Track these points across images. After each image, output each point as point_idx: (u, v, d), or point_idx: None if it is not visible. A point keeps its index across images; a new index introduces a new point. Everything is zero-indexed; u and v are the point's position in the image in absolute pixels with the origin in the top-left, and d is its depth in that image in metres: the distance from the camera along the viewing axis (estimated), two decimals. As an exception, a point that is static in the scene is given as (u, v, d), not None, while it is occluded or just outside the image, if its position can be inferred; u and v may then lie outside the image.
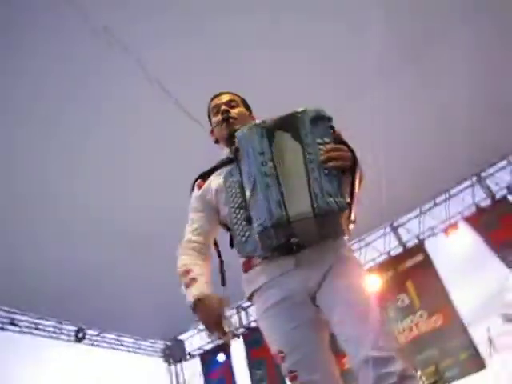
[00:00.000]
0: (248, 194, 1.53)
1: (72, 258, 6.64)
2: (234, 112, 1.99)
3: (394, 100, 5.92)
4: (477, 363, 7.59)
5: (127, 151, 5.47)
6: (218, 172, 1.90)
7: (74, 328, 8.76)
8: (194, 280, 1.75)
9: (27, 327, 8.12)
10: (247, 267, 1.75)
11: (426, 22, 5.12)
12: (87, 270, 6.98)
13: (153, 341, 10.64)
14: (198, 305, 1.66)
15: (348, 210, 1.51)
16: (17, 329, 7.95)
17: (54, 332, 8.56)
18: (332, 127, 1.60)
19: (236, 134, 1.64)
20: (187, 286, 1.75)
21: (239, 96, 2.13)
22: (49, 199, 5.66)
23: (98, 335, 9.36)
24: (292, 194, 1.46)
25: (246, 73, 4.81)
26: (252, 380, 9.29)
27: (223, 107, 2.00)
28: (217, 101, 2.06)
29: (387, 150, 6.37)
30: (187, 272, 1.79)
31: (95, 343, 9.34)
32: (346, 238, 1.74)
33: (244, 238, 1.59)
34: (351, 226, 1.64)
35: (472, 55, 5.58)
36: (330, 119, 1.60)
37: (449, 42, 5.42)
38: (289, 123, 1.57)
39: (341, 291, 1.57)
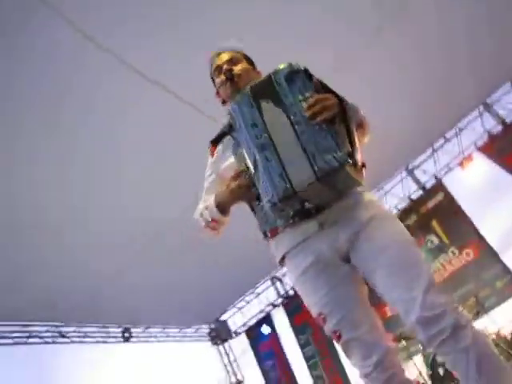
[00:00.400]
0: (251, 170, 1.52)
1: (101, 262, 6.79)
2: (236, 69, 1.93)
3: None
4: (513, 288, 7.70)
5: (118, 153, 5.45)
6: (227, 138, 1.87)
7: (120, 329, 9.01)
8: (206, 203, 1.85)
9: (76, 337, 8.37)
10: (273, 233, 1.73)
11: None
12: (118, 272, 7.16)
13: (197, 326, 10.90)
14: (218, 199, 1.77)
15: (352, 159, 1.44)
16: (67, 340, 8.21)
17: (101, 337, 8.80)
18: (310, 77, 1.52)
19: (228, 108, 1.59)
20: (206, 209, 1.83)
21: (239, 52, 2.05)
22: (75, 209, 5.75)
23: (143, 331, 9.60)
24: (291, 162, 1.41)
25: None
26: (300, 345, 9.46)
27: (225, 66, 1.94)
28: (218, 61, 2.00)
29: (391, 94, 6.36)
30: (201, 211, 1.87)
31: (142, 339, 9.60)
32: (362, 185, 1.67)
33: (262, 214, 1.65)
34: (363, 171, 1.60)
35: None
36: (305, 70, 1.52)
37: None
38: (267, 90, 1.50)
39: (380, 252, 1.55)
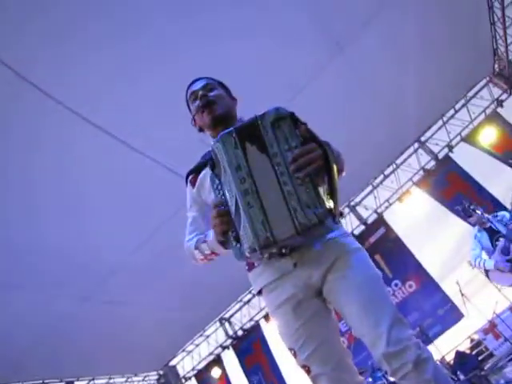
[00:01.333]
0: (232, 212, 1.49)
1: (42, 310, 6.45)
2: (212, 95, 1.90)
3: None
4: (455, 315, 8.04)
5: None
6: (207, 168, 1.75)
7: None
8: (200, 238, 1.82)
9: (14, 396, 7.80)
10: (250, 267, 1.79)
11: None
12: (59, 321, 6.84)
13: (145, 374, 10.48)
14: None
15: (332, 214, 1.45)
16: (3, 400, 7.64)
17: (42, 393, 8.26)
18: (296, 122, 1.48)
19: (211, 145, 1.54)
20: (203, 243, 1.80)
21: (215, 79, 2.03)
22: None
23: (88, 383, 9.12)
24: (273, 211, 1.41)
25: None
26: (251, 387, 9.31)
27: (200, 92, 1.90)
28: (193, 87, 1.97)
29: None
30: (195, 244, 1.84)
31: (88, 392, 9.11)
32: (338, 224, 1.73)
33: (238, 245, 1.54)
34: (340, 219, 1.66)
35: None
36: (291, 116, 1.47)
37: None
38: (252, 134, 1.45)
39: (351, 283, 1.60)
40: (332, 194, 1.48)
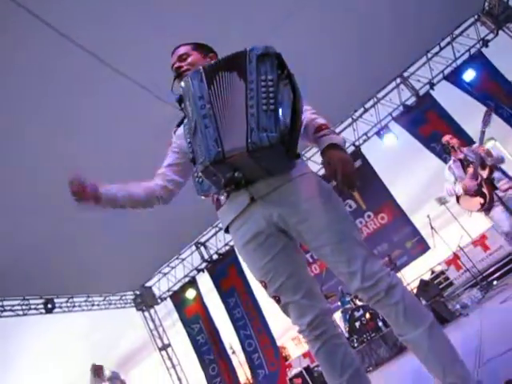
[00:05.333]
0: (189, 137, 1.66)
1: (22, 230, 6.51)
2: (184, 64, 2.06)
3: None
4: (421, 247, 8.51)
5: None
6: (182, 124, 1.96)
7: (42, 301, 8.74)
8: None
9: (-6, 311, 8.01)
10: (217, 206, 1.90)
11: None
12: (40, 241, 6.92)
13: (122, 293, 10.82)
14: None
15: (285, 144, 1.56)
16: (-16, 315, 7.85)
17: (21, 310, 8.48)
18: (282, 63, 1.62)
19: (181, 82, 1.72)
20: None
21: (192, 43, 2.16)
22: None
23: (67, 301, 9.38)
24: (230, 131, 1.55)
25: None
26: (229, 308, 9.73)
27: (176, 65, 2.08)
28: (172, 60, 2.13)
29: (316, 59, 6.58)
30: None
31: (66, 310, 9.38)
32: (301, 164, 1.82)
33: (199, 179, 1.76)
34: (297, 161, 1.76)
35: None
36: (277, 56, 1.62)
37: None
38: (235, 62, 1.63)
39: (317, 228, 1.69)
40: (292, 131, 1.60)
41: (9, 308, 8.27)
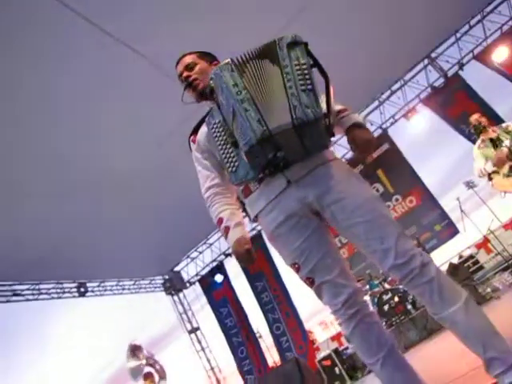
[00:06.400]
0: (230, 122, 1.67)
1: (58, 217, 6.69)
2: (193, 73, 2.10)
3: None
4: (451, 231, 8.42)
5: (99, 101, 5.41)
6: (205, 123, 1.98)
7: (75, 285, 9.00)
8: (227, 228, 1.94)
9: (31, 294, 8.29)
10: (246, 193, 1.92)
11: None
12: (74, 228, 7.10)
13: (151, 278, 11.05)
14: (234, 246, 1.90)
15: (327, 120, 1.69)
16: (21, 298, 8.13)
17: (56, 293, 8.77)
18: (309, 51, 1.70)
19: (210, 75, 1.74)
20: (224, 234, 1.96)
21: (196, 52, 2.20)
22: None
23: (99, 285, 9.64)
24: (271, 112, 1.60)
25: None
26: (257, 292, 9.84)
27: (184, 74, 2.11)
28: (178, 69, 2.17)
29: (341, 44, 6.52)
30: (220, 221, 1.98)
31: (98, 293, 9.65)
32: (329, 149, 1.88)
33: (234, 168, 1.75)
34: (331, 139, 1.81)
35: None
36: (306, 44, 1.70)
37: None
38: (266, 51, 1.70)
39: (351, 206, 1.72)
40: (328, 107, 1.73)
41: (44, 291, 8.56)
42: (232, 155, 1.73)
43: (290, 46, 1.67)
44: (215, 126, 1.76)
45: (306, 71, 1.63)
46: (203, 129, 2.02)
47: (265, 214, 1.86)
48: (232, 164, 1.75)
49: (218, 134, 1.76)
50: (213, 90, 1.76)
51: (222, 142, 1.75)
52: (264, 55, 1.70)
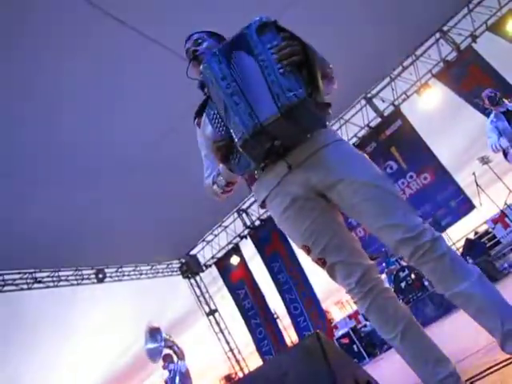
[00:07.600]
0: (223, 116, 1.65)
1: (74, 204, 6.79)
2: (201, 48, 2.08)
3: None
4: (466, 206, 8.36)
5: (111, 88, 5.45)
6: (205, 113, 1.97)
7: (93, 271, 9.15)
8: (215, 174, 2.00)
9: (51, 281, 8.44)
10: (251, 181, 1.92)
11: None
12: (91, 215, 7.19)
13: (168, 262, 11.17)
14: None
15: (311, 97, 1.59)
16: (42, 285, 8.29)
17: (75, 279, 8.92)
18: (279, 28, 1.64)
19: (200, 68, 1.70)
20: (218, 176, 1.98)
21: (205, 31, 2.19)
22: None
23: (116, 271, 9.78)
24: (258, 103, 1.56)
25: None
26: (273, 273, 9.92)
27: (191, 49, 2.10)
28: (187, 45, 2.16)
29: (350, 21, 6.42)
30: (212, 180, 2.01)
31: (116, 279, 9.79)
32: (326, 125, 1.83)
33: (237, 160, 1.77)
34: (329, 110, 1.75)
35: None
36: (275, 23, 1.64)
37: None
38: (240, 42, 1.64)
39: (357, 183, 1.70)
40: (313, 84, 1.62)
41: (64, 278, 8.72)
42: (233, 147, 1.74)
43: (259, 30, 1.62)
44: (214, 117, 1.76)
45: (280, 52, 1.58)
46: (205, 117, 2.00)
47: (270, 200, 1.85)
48: (234, 155, 1.77)
49: (218, 125, 1.76)
50: (203, 84, 1.80)
51: (223, 133, 1.75)
52: (240, 45, 1.64)
